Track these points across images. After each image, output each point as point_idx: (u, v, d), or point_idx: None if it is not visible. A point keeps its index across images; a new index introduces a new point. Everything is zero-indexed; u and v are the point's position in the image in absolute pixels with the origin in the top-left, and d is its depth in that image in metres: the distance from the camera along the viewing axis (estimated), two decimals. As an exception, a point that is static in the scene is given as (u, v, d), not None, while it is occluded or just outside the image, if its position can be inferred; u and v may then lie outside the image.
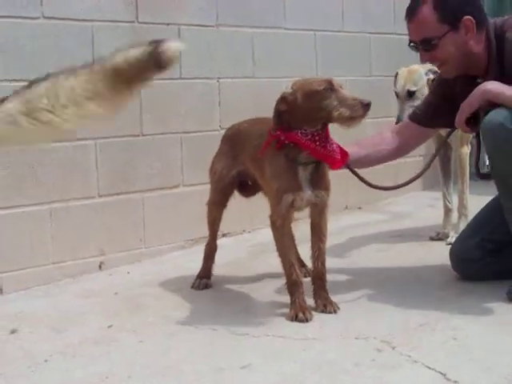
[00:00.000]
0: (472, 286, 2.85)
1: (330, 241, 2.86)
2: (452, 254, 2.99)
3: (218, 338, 2.45)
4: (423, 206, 4.63)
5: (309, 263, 2.81)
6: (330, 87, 2.54)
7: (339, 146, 2.68)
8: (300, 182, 2.61)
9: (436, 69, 3.40)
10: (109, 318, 2.72)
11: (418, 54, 2.80)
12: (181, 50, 1.62)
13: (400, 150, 3.06)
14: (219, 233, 3.19)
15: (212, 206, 3.07)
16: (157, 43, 1.59)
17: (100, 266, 3.47)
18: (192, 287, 3.07)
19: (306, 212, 2.72)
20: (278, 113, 2.59)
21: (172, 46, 1.59)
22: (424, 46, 2.73)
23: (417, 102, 3.38)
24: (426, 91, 3.45)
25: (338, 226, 3.89)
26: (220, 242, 3.20)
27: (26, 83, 1.64)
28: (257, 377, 2.11)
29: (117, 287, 3.15)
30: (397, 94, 3.56)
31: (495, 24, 2.75)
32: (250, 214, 3.94)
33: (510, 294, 2.64)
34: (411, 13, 2.74)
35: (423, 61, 2.84)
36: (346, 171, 2.84)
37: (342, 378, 2.06)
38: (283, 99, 2.59)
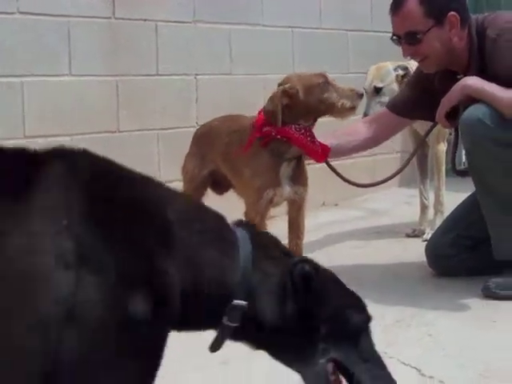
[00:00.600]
0: (447, 282, 2.86)
1: (307, 237, 2.86)
2: (428, 250, 3.00)
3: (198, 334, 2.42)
4: (400, 203, 4.64)
5: (286, 260, 2.81)
6: (326, 80, 2.56)
7: (319, 141, 2.69)
8: (280, 178, 2.60)
9: (406, 65, 3.42)
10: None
11: (400, 48, 2.76)
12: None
13: (374, 140, 3.04)
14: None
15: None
16: None
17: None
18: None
19: (283, 209, 2.72)
20: (281, 107, 2.56)
21: None
22: (408, 40, 2.70)
23: (384, 98, 3.38)
24: (394, 87, 3.45)
25: (314, 223, 3.88)
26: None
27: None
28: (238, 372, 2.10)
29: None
30: (365, 91, 3.57)
31: (477, 21, 2.74)
32: (226, 212, 3.92)
33: (485, 290, 2.66)
34: (396, 5, 2.71)
35: (405, 55, 2.81)
36: (323, 167, 2.84)
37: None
38: (285, 93, 2.57)
